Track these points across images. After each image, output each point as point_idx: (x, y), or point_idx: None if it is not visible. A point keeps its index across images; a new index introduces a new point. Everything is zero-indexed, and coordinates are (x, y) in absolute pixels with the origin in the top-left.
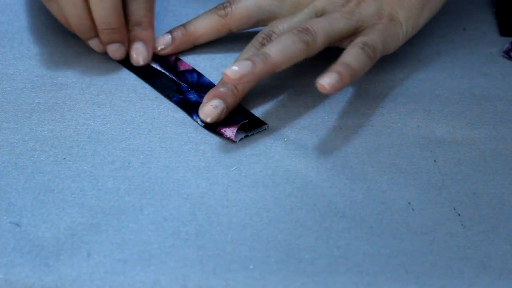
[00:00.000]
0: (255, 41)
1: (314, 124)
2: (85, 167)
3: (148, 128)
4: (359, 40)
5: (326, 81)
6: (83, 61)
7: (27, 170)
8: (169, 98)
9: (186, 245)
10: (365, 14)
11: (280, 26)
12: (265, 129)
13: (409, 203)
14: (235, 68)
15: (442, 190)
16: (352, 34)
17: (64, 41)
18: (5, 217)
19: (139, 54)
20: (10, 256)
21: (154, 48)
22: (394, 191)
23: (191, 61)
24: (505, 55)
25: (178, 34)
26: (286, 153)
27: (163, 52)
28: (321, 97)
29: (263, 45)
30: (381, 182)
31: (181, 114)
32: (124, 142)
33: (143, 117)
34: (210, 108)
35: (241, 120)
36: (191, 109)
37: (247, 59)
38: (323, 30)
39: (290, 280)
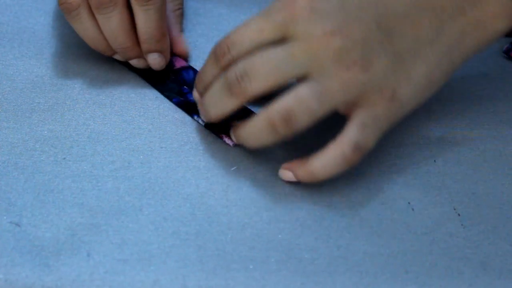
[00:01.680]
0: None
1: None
2: (85, 167)
3: (148, 128)
4: (351, 138)
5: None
6: (83, 61)
7: (27, 170)
8: (169, 98)
9: (186, 245)
10: (368, 85)
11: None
12: None
13: (409, 203)
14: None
15: (442, 190)
16: (348, 106)
17: (64, 41)
18: (5, 217)
19: (156, 64)
20: (10, 256)
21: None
22: (394, 191)
23: (191, 61)
24: (505, 55)
25: None
26: (285, 153)
27: None
28: None
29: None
30: (381, 182)
31: (181, 114)
32: (124, 142)
33: (143, 117)
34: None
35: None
36: (191, 110)
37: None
38: (309, 115)
39: (290, 280)
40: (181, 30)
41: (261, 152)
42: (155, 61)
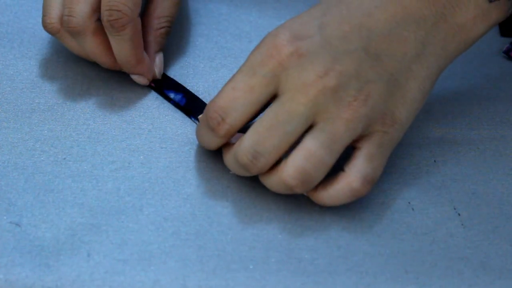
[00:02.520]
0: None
1: None
2: (85, 167)
3: (148, 128)
4: (360, 172)
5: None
6: (83, 61)
7: (27, 170)
8: (168, 100)
9: (186, 245)
10: (371, 116)
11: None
12: None
13: (409, 202)
14: None
15: (442, 190)
16: (354, 140)
17: None
18: (5, 217)
19: (140, 82)
20: (10, 256)
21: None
22: (394, 191)
23: (190, 61)
24: (505, 55)
25: None
26: None
27: None
28: None
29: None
30: (381, 181)
31: (181, 114)
32: (124, 142)
33: (143, 117)
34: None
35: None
36: (189, 112)
37: None
38: (323, 167)
39: (290, 280)
40: (160, 50)
41: None
42: (137, 80)
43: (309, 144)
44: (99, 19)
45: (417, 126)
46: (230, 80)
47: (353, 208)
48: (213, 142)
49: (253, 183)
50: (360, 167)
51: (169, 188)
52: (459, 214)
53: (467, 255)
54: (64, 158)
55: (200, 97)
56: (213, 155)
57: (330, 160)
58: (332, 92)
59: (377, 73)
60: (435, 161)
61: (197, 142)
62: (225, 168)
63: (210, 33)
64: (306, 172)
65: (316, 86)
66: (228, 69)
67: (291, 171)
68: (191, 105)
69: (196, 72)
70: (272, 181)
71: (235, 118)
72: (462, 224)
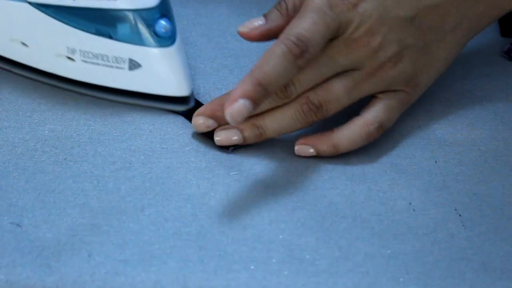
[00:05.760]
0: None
1: (315, 124)
2: (86, 168)
3: (149, 129)
4: (377, 118)
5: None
6: None
7: (28, 170)
8: None
9: (187, 245)
10: (397, 78)
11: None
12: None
13: (410, 203)
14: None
15: (443, 190)
16: (375, 93)
17: None
18: (6, 218)
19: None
20: (11, 256)
21: None
22: (395, 192)
23: (191, 61)
24: (505, 55)
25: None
26: (287, 153)
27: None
28: None
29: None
30: (382, 182)
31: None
32: (125, 142)
33: (144, 118)
34: (228, 136)
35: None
36: (190, 118)
37: (239, 130)
38: (337, 105)
39: (291, 280)
40: None
41: (262, 152)
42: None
43: (333, 83)
44: None
45: (418, 126)
46: (308, 13)
47: (354, 209)
48: (290, 71)
49: (254, 184)
50: (379, 113)
51: (170, 188)
52: (460, 215)
53: (468, 256)
54: (65, 159)
55: (201, 97)
56: (214, 156)
57: (345, 101)
58: (373, 51)
59: (416, 39)
60: (436, 161)
61: (198, 143)
62: (226, 168)
63: (211, 34)
64: (322, 101)
65: (361, 43)
66: (229, 69)
67: (311, 98)
68: (192, 111)
69: (197, 73)
70: (285, 112)
71: (315, 50)
72: (463, 225)
